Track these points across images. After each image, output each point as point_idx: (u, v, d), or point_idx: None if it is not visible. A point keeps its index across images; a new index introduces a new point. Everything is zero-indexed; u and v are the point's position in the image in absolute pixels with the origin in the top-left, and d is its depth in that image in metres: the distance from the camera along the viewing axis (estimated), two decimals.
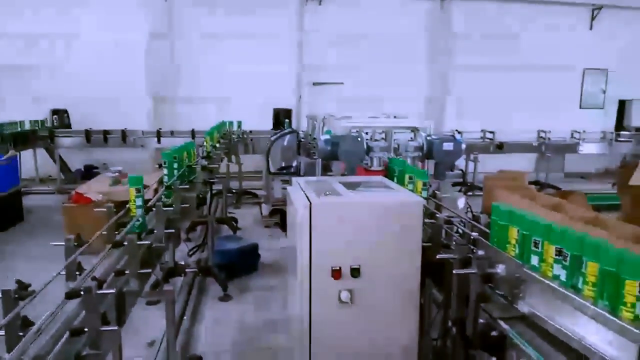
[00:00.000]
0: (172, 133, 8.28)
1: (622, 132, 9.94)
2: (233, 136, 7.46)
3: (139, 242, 2.25)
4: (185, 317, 3.98)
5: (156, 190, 3.43)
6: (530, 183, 7.34)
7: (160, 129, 8.43)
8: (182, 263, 3.33)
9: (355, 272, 2.36)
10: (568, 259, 1.58)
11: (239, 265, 4.85)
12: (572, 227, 1.71)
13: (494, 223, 2.05)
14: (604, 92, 11.66)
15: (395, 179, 3.19)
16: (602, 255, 1.46)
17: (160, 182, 3.58)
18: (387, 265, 2.40)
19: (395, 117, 5.25)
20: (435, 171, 4.19)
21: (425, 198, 2.75)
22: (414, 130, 4.71)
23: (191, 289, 4.50)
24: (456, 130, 8.00)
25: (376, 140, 4.18)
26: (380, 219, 2.38)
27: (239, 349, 3.60)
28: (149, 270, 2.41)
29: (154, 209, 2.59)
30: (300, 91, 10.31)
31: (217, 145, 5.44)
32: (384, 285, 2.42)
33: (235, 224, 5.79)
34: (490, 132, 8.76)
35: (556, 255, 1.65)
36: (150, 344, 3.46)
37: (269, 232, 6.29)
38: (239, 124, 8.05)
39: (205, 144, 5.02)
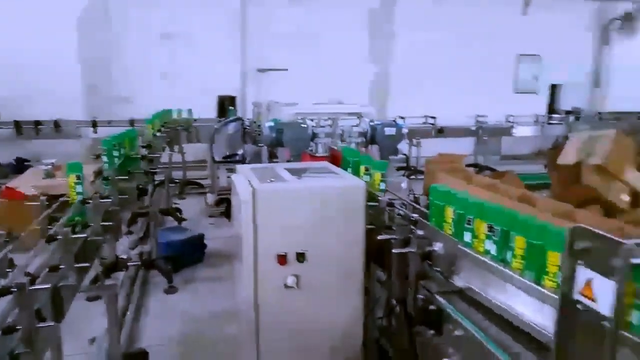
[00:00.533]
0: (109, 122, 7.92)
1: (553, 115, 10.52)
2: (181, 126, 7.27)
3: (73, 236, 2.16)
4: (128, 312, 3.88)
5: (93, 182, 3.30)
6: (469, 165, 7.65)
7: (96, 118, 8.05)
8: (124, 257, 3.24)
9: (300, 257, 2.39)
10: (497, 234, 1.68)
11: (185, 257, 4.76)
12: (502, 205, 1.81)
13: (432, 203, 2.14)
14: (537, 77, 12.27)
15: (350, 170, 3.11)
16: (528, 229, 1.57)
17: (98, 173, 3.44)
18: (332, 249, 2.45)
19: (340, 103, 5.30)
20: (381, 156, 4.30)
21: (383, 190, 2.74)
22: (358, 116, 4.79)
23: (134, 282, 4.38)
24: (399, 115, 8.18)
25: (321, 126, 4.21)
26: (324, 203, 2.42)
27: (186, 340, 3.55)
28: (87, 265, 2.33)
29: (90, 200, 2.49)
30: (245, 78, 10.15)
31: (158, 134, 5.28)
32: (329, 269, 2.46)
33: (179, 215, 5.66)
34: (432, 117, 9.01)
35: (487, 231, 1.74)
36: (92, 340, 3.34)
37: (214, 221, 6.20)
38: (190, 111, 7.81)
39: (146, 132, 4.86)
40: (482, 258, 1.72)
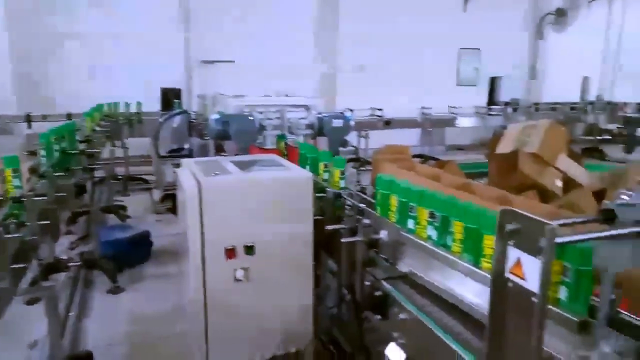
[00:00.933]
0: (44, 117, 7.50)
1: (493, 107, 10.98)
2: (127, 120, 7.00)
3: (8, 236, 2.05)
4: (71, 313, 3.72)
5: (28, 180, 3.13)
6: (415, 156, 7.85)
7: (30, 112, 7.60)
8: (64, 257, 3.10)
9: (249, 250, 2.38)
10: (438, 220, 1.74)
11: (130, 255, 4.61)
12: (443, 192, 1.88)
13: (378, 193, 2.19)
14: (477, 70, 12.75)
15: (308, 167, 3.07)
16: (466, 214, 1.64)
17: (33, 170, 3.27)
18: (281, 241, 2.45)
19: (287, 95, 5.29)
20: (330, 148, 4.34)
21: (342, 188, 2.68)
22: (306, 108, 4.80)
23: (76, 283, 4.20)
24: (348, 108, 8.26)
25: (269, 119, 4.19)
26: (271, 195, 2.41)
27: (133, 341, 3.45)
28: (24, 266, 2.22)
29: (23, 199, 2.36)
30: (190, 70, 9.89)
31: (98, 128, 5.07)
32: (279, 260, 2.47)
33: (123, 213, 5.47)
34: (379, 109, 9.16)
35: (429, 217, 1.81)
36: (32, 344, 3.19)
37: (161, 218, 6.04)
38: (139, 105, 7.51)
39: (85, 126, 4.66)
40: (424, 243, 1.78)
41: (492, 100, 12.81)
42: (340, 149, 4.50)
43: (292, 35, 10.26)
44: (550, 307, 1.28)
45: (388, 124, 9.11)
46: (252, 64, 9.57)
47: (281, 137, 3.81)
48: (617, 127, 11.25)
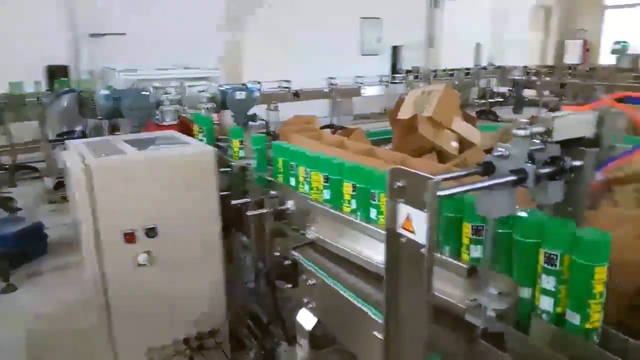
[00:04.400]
0: None
1: (396, 75, 11.36)
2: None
3: None
4: None
5: None
6: (325, 127, 7.94)
7: None
8: None
9: (151, 232, 2.26)
10: (329, 183, 1.78)
11: (22, 250, 4.22)
12: (345, 158, 1.91)
13: (275, 160, 2.19)
14: (379, 39, 13.06)
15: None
16: (355, 175, 1.69)
17: None
18: (185, 219, 2.36)
19: (186, 68, 5.04)
20: (235, 121, 4.23)
21: (241, 158, 2.66)
22: (209, 81, 4.61)
23: None
24: (255, 80, 8.09)
25: (167, 93, 3.95)
26: (170, 173, 2.30)
27: (34, 340, 3.19)
28: None
29: None
30: (77, 44, 9.03)
31: None
32: (184, 240, 2.38)
33: (12, 205, 4.97)
34: (286, 81, 9.08)
35: (324, 182, 1.84)
36: None
37: (56, 207, 5.57)
38: (19, 84, 6.69)
39: None
40: (326, 208, 1.80)
41: (394, 68, 13.25)
42: (250, 123, 4.40)
43: (192, 4, 9.72)
44: (443, 256, 1.36)
45: (297, 95, 9.07)
46: (146, 36, 8.94)
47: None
48: (508, 90, 12.19)
